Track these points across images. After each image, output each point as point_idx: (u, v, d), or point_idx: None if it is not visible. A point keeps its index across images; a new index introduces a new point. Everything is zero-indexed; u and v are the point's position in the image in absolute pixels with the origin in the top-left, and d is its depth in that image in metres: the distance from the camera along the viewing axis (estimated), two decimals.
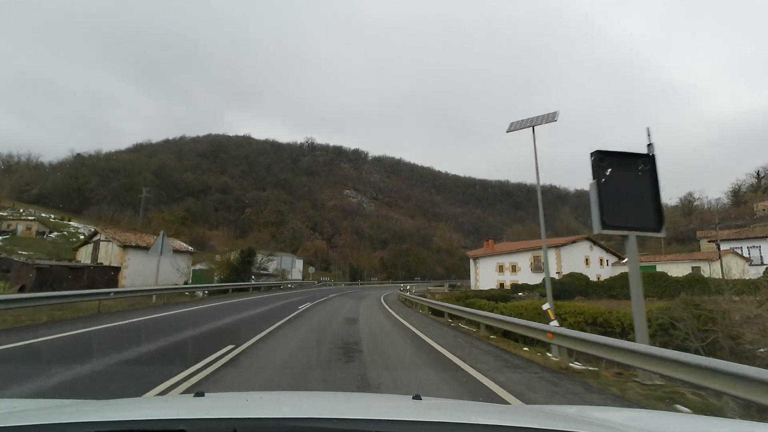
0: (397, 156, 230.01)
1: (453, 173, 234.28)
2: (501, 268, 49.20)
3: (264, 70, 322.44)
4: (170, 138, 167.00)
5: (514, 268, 47.82)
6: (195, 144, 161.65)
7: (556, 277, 42.05)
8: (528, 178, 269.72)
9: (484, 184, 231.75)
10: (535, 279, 43.26)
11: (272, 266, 58.99)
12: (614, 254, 48.52)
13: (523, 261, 47.18)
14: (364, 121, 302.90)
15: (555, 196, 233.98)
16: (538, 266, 44.43)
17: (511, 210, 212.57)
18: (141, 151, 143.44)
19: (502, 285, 45.39)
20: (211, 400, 1.89)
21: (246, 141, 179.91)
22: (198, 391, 1.94)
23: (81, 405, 1.98)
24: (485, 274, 50.17)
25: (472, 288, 49.30)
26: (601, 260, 47.25)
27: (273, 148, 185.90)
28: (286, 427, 1.36)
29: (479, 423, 1.45)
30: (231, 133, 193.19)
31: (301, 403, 2.08)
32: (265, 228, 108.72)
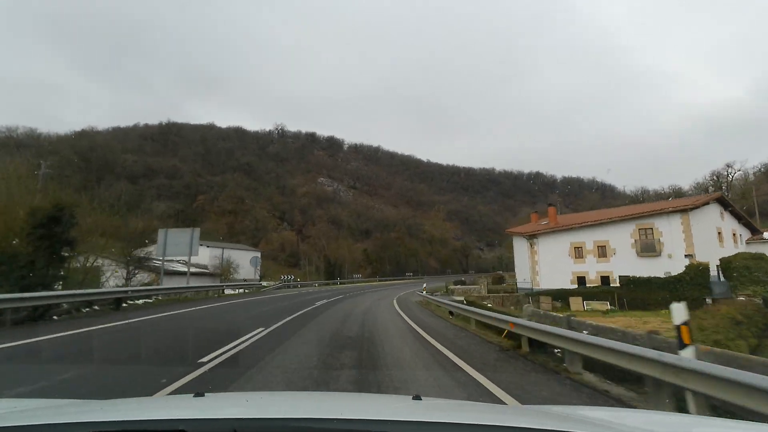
0: (375, 144, 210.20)
1: (435, 161, 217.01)
2: (579, 252, 30.65)
3: (229, 58, 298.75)
4: (121, 126, 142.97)
5: (602, 251, 29.51)
6: (147, 130, 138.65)
7: (686, 262, 24.02)
8: (513, 165, 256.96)
9: (468, 172, 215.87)
10: (643, 267, 25.22)
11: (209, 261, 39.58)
12: (748, 226, 30.92)
13: (620, 238, 28.54)
14: (338, 110, 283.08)
15: (543, 183, 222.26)
16: (648, 246, 26.15)
17: (500, 198, 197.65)
18: (83, 138, 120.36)
19: (581, 279, 27.17)
20: (211, 400, 1.87)
21: (207, 128, 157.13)
22: (198, 391, 1.88)
23: (81, 405, 2.00)
24: (549, 262, 31.54)
25: (527, 285, 30.80)
26: (734, 234, 29.49)
27: (238, 134, 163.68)
28: (286, 427, 1.33)
29: (479, 423, 1.39)
30: (193, 123, 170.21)
31: (301, 403, 2.06)
32: (222, 217, 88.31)
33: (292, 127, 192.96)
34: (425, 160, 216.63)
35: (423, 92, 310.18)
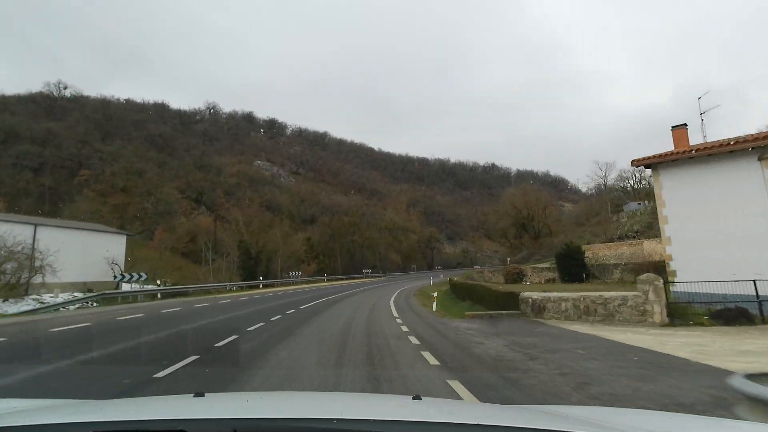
0: (322, 130, 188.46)
1: (386, 150, 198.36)
2: None
3: (157, 36, 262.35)
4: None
5: None
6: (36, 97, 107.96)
7: None
8: (468, 157, 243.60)
9: (423, 162, 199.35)
10: None
11: None
12: None
13: None
14: (282, 96, 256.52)
15: (498, 175, 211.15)
16: None
17: (457, 189, 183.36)
18: None
19: None
20: (211, 399, 1.86)
21: (117, 101, 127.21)
22: (198, 391, 1.83)
23: (81, 405, 1.98)
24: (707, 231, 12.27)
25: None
26: None
27: (157, 108, 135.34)
28: (286, 427, 1.32)
29: (479, 423, 1.38)
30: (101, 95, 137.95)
31: (301, 403, 2.03)
32: (110, 197, 63.79)
33: (228, 108, 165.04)
34: (377, 149, 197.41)
35: (371, 82, 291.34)
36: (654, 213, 21.80)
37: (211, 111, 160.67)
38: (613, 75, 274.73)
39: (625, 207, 53.08)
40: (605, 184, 61.46)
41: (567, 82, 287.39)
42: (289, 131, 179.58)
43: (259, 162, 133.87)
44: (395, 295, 27.82)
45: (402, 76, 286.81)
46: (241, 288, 35.46)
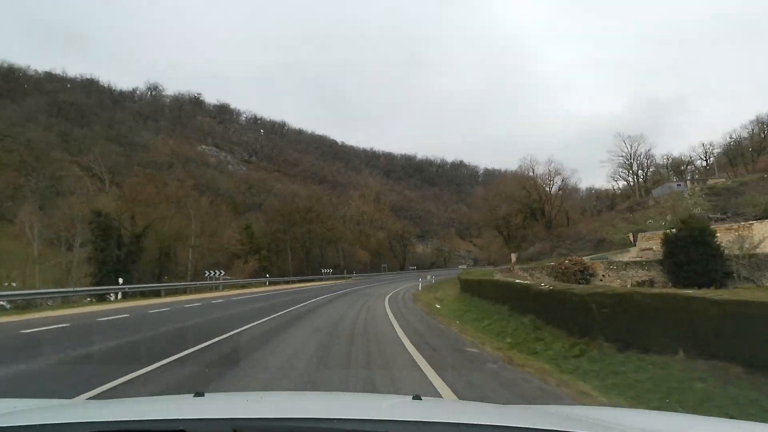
0: (280, 119, 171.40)
1: (350, 144, 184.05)
2: None
3: (93, 11, 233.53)
4: None
5: None
6: None
7: None
8: (436, 153, 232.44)
9: (389, 157, 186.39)
10: None
11: None
12: None
13: None
14: (237, 83, 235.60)
15: (466, 173, 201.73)
16: None
17: (424, 185, 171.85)
18: None
19: None
20: (210, 399, 1.85)
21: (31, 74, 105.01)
22: (198, 390, 1.81)
23: (81, 405, 1.97)
24: None
25: None
26: None
27: (84, 84, 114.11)
28: (286, 427, 1.31)
29: (479, 423, 1.37)
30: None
31: (301, 402, 2.03)
32: None
33: (171, 91, 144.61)
34: (340, 142, 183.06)
35: (334, 74, 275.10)
36: None
37: (153, 92, 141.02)
38: (573, 81, 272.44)
39: (658, 189, 41.01)
40: (633, 160, 49.40)
41: (530, 85, 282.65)
42: (243, 119, 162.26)
43: (204, 147, 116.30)
44: (390, 313, 13.83)
45: (367, 72, 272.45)
46: (95, 299, 20.07)
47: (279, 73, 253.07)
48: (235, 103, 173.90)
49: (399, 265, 74.84)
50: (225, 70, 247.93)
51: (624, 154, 50.81)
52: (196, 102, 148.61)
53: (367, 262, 63.65)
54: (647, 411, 3.45)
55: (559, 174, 48.84)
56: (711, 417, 2.52)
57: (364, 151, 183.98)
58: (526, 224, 48.21)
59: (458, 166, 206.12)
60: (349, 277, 52.86)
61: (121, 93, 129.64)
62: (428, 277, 35.52)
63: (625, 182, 51.38)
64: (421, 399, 1.76)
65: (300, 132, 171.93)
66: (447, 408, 2.12)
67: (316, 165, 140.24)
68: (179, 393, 4.98)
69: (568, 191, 51.00)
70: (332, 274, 49.51)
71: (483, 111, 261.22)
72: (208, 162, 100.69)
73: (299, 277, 44.01)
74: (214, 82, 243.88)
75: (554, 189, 49.25)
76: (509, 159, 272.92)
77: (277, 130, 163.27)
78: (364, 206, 68.75)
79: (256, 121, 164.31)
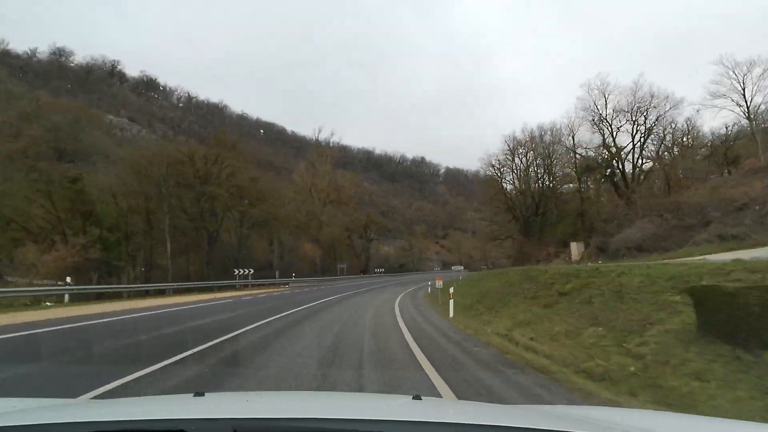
0: (218, 100, 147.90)
1: (302, 134, 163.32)
2: None
3: None
4: None
5: None
6: None
7: None
8: (396, 148, 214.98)
9: (345, 150, 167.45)
10: None
11: None
12: None
13: None
14: (172, 60, 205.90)
15: (428, 172, 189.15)
16: None
17: (383, 181, 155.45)
18: None
19: None
20: (211, 399, 1.83)
21: None
22: (198, 390, 1.78)
23: (81, 405, 1.94)
24: None
25: None
26: None
27: None
28: (286, 427, 1.30)
29: (479, 423, 1.35)
30: None
31: (301, 403, 2.01)
32: None
33: (84, 58, 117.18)
34: (290, 131, 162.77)
35: (284, 66, 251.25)
36: None
37: (56, 53, 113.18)
38: (532, 85, 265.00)
39: None
40: (746, 97, 31.94)
41: (491, 86, 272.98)
42: (176, 97, 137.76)
43: (113, 117, 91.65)
44: None
45: (322, 65, 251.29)
46: None
47: (226, 60, 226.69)
48: (172, 83, 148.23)
49: (361, 267, 55.36)
50: (170, 52, 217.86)
51: (729, 82, 31.34)
52: (113, 72, 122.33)
53: (316, 262, 43.85)
54: (647, 411, 3.44)
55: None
56: (711, 417, 2.46)
57: (317, 141, 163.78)
58: (591, 195, 30.59)
59: (419, 164, 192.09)
60: (284, 285, 32.74)
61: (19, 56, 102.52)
62: (437, 283, 16.51)
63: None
64: (420, 399, 1.70)
65: (243, 117, 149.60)
66: (447, 408, 2.07)
67: (258, 150, 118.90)
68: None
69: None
70: (248, 275, 29.18)
71: (444, 111, 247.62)
72: (112, 133, 77.09)
73: (178, 284, 23.31)
74: (155, 63, 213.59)
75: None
76: (470, 161, 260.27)
77: (212, 111, 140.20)
78: (315, 179, 48.39)
79: (190, 100, 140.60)
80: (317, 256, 44.50)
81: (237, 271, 29.48)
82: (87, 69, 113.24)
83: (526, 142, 38.28)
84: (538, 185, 37.83)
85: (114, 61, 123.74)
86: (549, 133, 38.80)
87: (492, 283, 18.09)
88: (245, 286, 28.87)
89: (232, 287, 27.72)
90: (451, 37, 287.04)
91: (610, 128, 33.10)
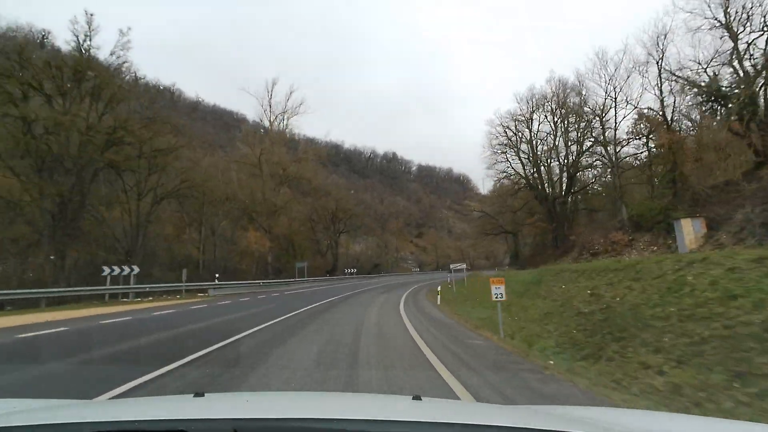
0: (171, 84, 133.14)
1: (265, 124, 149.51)
2: None
3: None
4: None
5: None
6: None
7: None
8: (364, 142, 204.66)
9: (311, 142, 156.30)
10: None
11: None
12: None
13: None
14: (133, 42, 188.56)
15: (399, 169, 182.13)
16: None
17: (353, 176, 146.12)
18: None
19: None
20: (210, 399, 1.83)
21: None
22: (198, 391, 1.77)
23: (81, 405, 1.94)
24: None
25: None
26: None
27: None
28: (286, 427, 1.30)
29: (479, 423, 1.35)
30: None
31: (301, 403, 1.99)
32: None
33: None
34: (251, 120, 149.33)
35: (243, 50, 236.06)
36: None
37: None
38: (500, 88, 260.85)
39: None
40: None
41: (461, 87, 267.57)
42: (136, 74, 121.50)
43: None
44: None
45: (288, 53, 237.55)
46: None
47: (189, 50, 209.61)
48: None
49: (328, 267, 44.48)
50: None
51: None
52: (42, 44, 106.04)
53: (267, 259, 32.71)
54: (647, 411, 3.38)
55: None
56: (711, 417, 2.39)
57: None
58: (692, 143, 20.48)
59: (391, 160, 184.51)
60: (203, 292, 21.63)
61: None
62: (498, 293, 6.20)
63: None
64: (421, 399, 1.70)
65: (198, 103, 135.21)
66: (447, 408, 2.04)
67: (219, 138, 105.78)
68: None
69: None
70: (155, 281, 18.03)
71: (415, 110, 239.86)
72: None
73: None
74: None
75: None
76: (443, 160, 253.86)
77: (165, 97, 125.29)
78: (275, 150, 36.68)
79: (137, 81, 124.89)
80: (268, 252, 33.25)
81: (109, 270, 18.13)
82: (7, 38, 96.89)
83: (553, 96, 28.86)
84: (568, 155, 28.43)
85: (44, 31, 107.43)
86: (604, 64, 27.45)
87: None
88: (125, 296, 17.78)
89: (100, 298, 16.61)
90: (418, 36, 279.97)
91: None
